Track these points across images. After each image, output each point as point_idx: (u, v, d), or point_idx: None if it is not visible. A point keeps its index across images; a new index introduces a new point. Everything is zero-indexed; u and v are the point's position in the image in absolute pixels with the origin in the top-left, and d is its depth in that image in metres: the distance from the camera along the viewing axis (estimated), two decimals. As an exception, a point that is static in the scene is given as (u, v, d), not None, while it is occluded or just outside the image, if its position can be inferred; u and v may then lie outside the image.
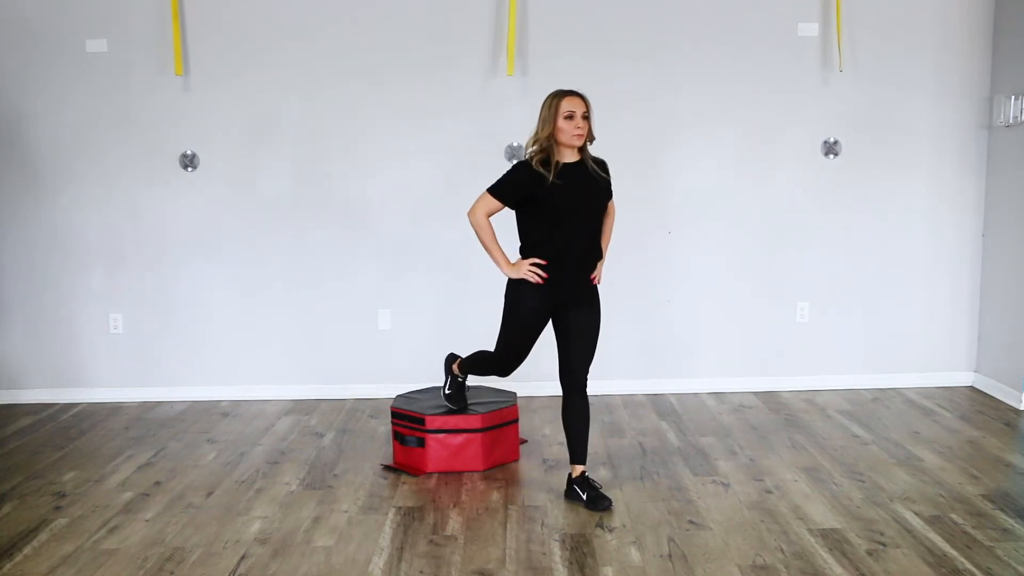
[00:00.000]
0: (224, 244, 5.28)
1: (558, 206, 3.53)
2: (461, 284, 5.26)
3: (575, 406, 3.69)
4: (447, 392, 4.16)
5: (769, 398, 5.23)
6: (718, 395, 5.32)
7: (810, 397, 5.23)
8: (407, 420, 4.13)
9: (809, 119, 5.23)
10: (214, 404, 5.28)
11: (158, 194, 5.24)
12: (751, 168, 5.26)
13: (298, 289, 5.32)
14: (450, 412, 4.11)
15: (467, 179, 5.20)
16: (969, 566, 3.07)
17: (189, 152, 5.22)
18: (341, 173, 5.24)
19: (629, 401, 5.19)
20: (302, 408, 5.17)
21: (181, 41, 5.11)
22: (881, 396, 5.22)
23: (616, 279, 5.16)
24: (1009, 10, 5.02)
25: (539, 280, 3.57)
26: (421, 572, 3.10)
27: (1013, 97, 4.92)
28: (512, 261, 3.64)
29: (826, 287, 5.36)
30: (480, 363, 3.99)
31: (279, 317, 5.34)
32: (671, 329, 5.37)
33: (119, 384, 5.37)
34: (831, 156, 5.27)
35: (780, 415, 4.89)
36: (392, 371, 5.32)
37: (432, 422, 4.05)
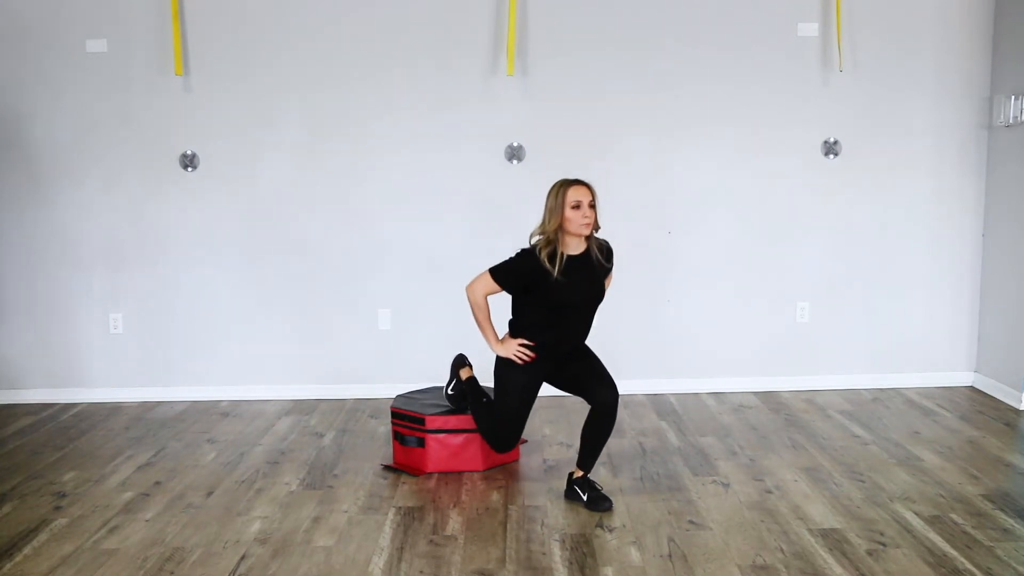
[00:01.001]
0: (224, 244, 5.28)
1: (559, 301, 3.58)
2: (461, 284, 5.21)
3: (602, 423, 3.68)
4: (450, 392, 4.15)
5: (769, 398, 5.23)
6: (718, 395, 5.32)
7: (810, 397, 5.23)
8: (407, 420, 4.13)
9: (809, 119, 5.23)
10: (214, 404, 5.28)
11: (158, 194, 5.24)
12: (751, 168, 5.26)
13: (298, 289, 5.32)
14: (450, 412, 4.10)
15: (467, 179, 5.22)
16: (969, 566, 3.07)
17: (189, 152, 5.22)
18: (341, 173, 5.24)
19: (629, 401, 5.18)
20: (302, 408, 5.17)
21: (181, 41, 5.11)
22: (881, 396, 5.22)
23: (617, 279, 5.15)
24: (1009, 10, 5.02)
25: (526, 361, 3.67)
26: (421, 572, 3.10)
27: (1013, 97, 4.92)
28: (500, 337, 3.73)
29: (826, 287, 5.36)
30: (484, 414, 3.96)
31: (279, 317, 5.33)
32: (671, 329, 5.36)
33: (119, 384, 5.37)
34: (831, 156, 5.27)
35: (780, 415, 4.89)
36: (392, 371, 5.32)
37: (432, 422, 4.05)
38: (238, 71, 5.15)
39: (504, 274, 3.64)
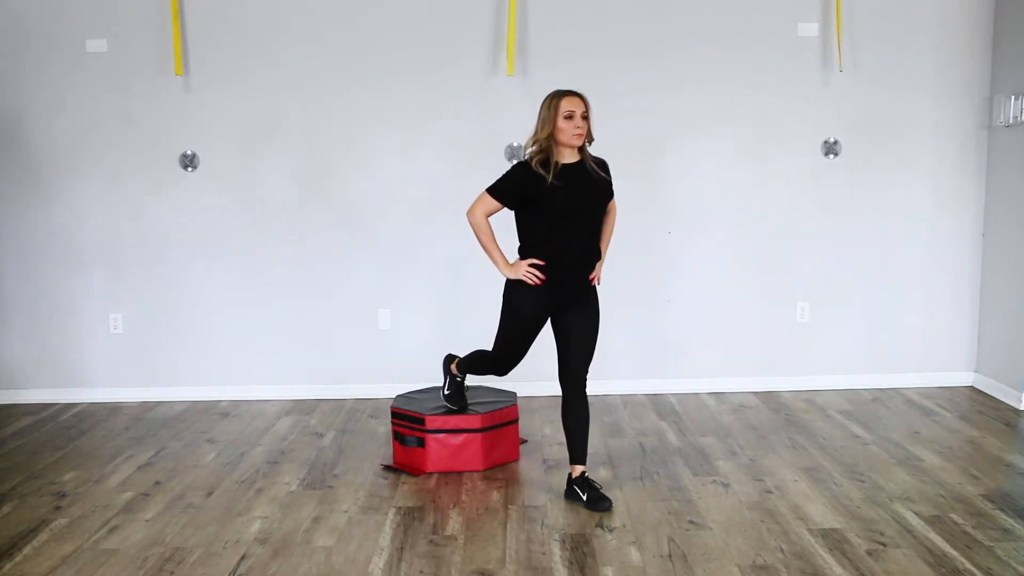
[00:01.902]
0: (224, 244, 5.28)
1: (557, 207, 3.52)
2: (461, 284, 5.26)
3: (575, 406, 3.69)
4: (446, 393, 4.16)
5: (769, 398, 5.23)
6: (718, 395, 5.32)
7: (810, 397, 5.23)
8: (407, 420, 4.13)
9: (809, 119, 5.23)
10: (214, 404, 5.28)
11: (158, 194, 5.24)
12: (751, 168, 5.26)
13: (298, 289, 5.32)
14: (450, 412, 4.11)
15: (467, 179, 5.20)
16: (969, 566, 3.07)
17: (189, 152, 5.22)
18: (341, 173, 5.24)
19: (629, 401, 5.19)
20: (302, 408, 5.17)
21: (181, 41, 5.11)
22: (881, 396, 5.22)
23: (616, 279, 5.15)
24: (1009, 10, 5.02)
25: (536, 281, 3.57)
26: (421, 572, 3.10)
27: (1013, 97, 4.92)
28: (511, 261, 3.64)
29: (826, 287, 5.36)
30: (478, 362, 3.99)
31: (279, 317, 5.34)
32: (671, 329, 5.37)
33: (119, 384, 5.37)
34: (831, 156, 5.27)
35: (780, 415, 4.89)
36: (392, 371, 5.32)
37: (432, 422, 4.05)
38: (238, 71, 5.15)
39: (500, 188, 3.59)
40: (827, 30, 5.15)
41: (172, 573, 3.12)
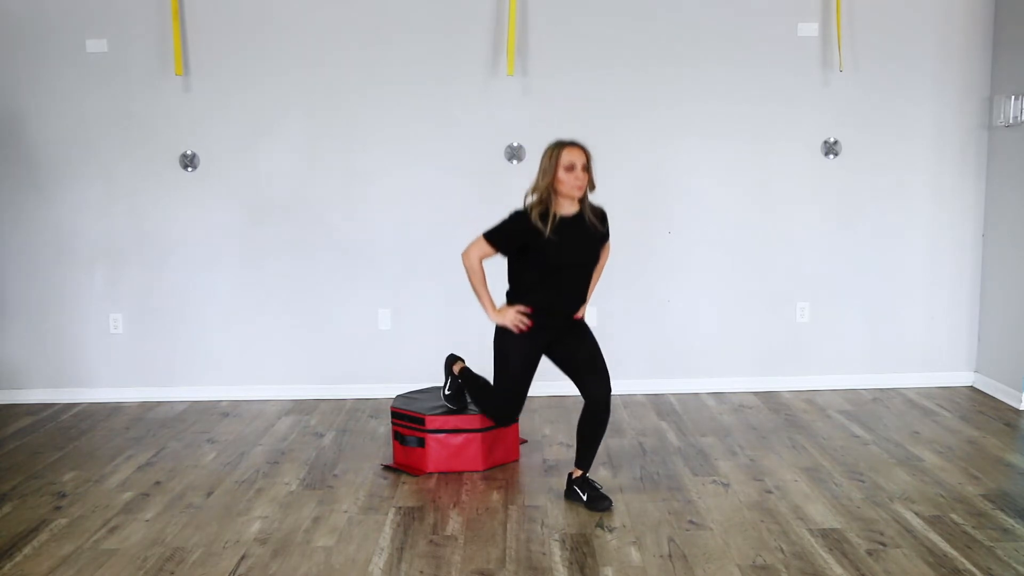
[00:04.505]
0: (224, 244, 5.28)
1: (551, 261, 3.56)
2: (461, 284, 5.21)
3: (597, 418, 3.67)
4: (447, 393, 4.15)
5: (769, 398, 5.23)
6: (718, 395, 5.32)
7: (810, 397, 5.23)
8: (407, 420, 4.13)
9: (809, 119, 5.23)
10: (214, 404, 5.28)
11: (158, 194, 5.24)
12: (751, 168, 5.26)
13: (298, 289, 5.32)
14: (450, 412, 4.10)
15: (467, 178, 5.22)
16: (969, 566, 3.07)
17: (189, 152, 5.22)
18: (341, 172, 5.24)
19: (629, 401, 5.19)
20: (302, 408, 5.17)
21: (181, 41, 5.11)
22: (881, 396, 5.22)
23: (616, 279, 5.16)
24: (1009, 10, 5.02)
25: (523, 328, 3.62)
26: (421, 572, 3.10)
27: (1013, 97, 4.92)
28: (498, 306, 3.68)
29: (826, 287, 5.36)
30: (482, 395, 3.97)
31: (279, 317, 5.34)
32: (671, 329, 5.37)
33: (119, 384, 5.37)
34: (831, 156, 5.27)
35: (780, 415, 4.89)
36: (392, 371, 5.32)
37: (432, 422, 4.05)
38: (238, 71, 5.15)
39: (497, 236, 3.61)
40: (827, 30, 5.15)
41: (172, 573, 3.12)
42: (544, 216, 3.51)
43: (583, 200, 3.59)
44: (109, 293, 5.32)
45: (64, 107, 5.18)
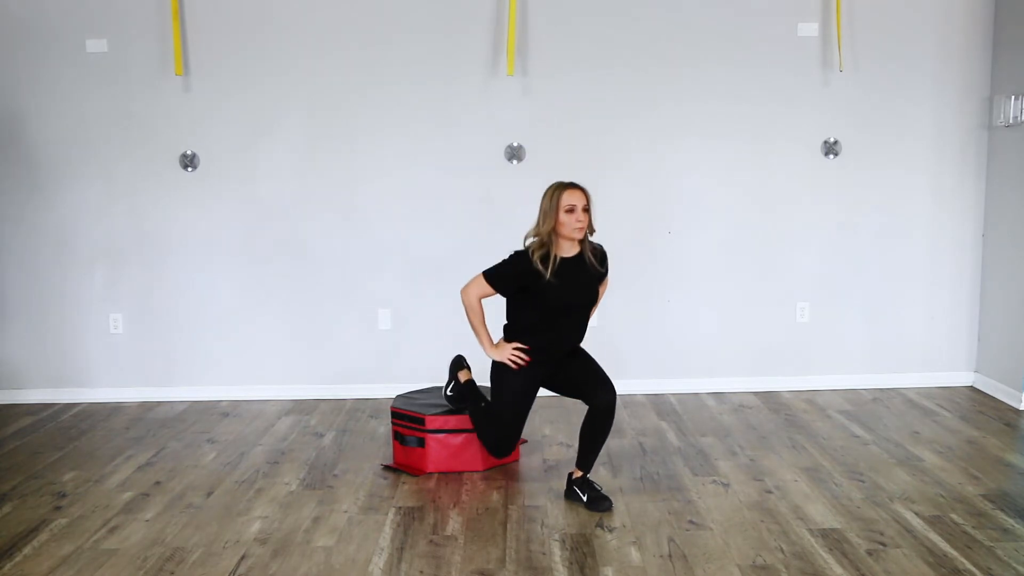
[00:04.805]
0: (224, 244, 5.28)
1: (551, 303, 3.60)
2: (461, 284, 5.23)
3: (601, 422, 3.68)
4: (449, 393, 4.15)
5: (769, 398, 5.23)
6: (718, 395, 5.32)
7: (810, 397, 5.23)
8: (407, 420, 4.13)
9: (809, 119, 5.23)
10: (214, 404, 5.28)
11: (158, 194, 5.24)
12: (751, 168, 5.26)
13: (298, 289, 5.32)
14: (450, 412, 4.10)
15: (467, 178, 5.22)
16: (969, 566, 3.07)
17: (189, 152, 5.22)
18: (341, 172, 5.24)
19: (629, 401, 5.19)
20: (302, 408, 5.17)
21: (181, 41, 5.11)
22: (881, 396, 5.22)
23: (617, 279, 5.16)
24: (1009, 11, 5.02)
25: (521, 365, 3.68)
26: (421, 572, 3.10)
27: (1013, 97, 4.92)
28: (495, 342, 3.74)
29: (826, 287, 5.36)
30: (483, 421, 3.97)
31: (279, 317, 5.34)
32: (671, 329, 5.37)
33: (119, 384, 5.37)
34: (831, 156, 5.27)
35: (780, 415, 4.89)
36: (392, 371, 5.32)
37: (432, 422, 4.05)
38: (238, 71, 5.15)
39: (497, 276, 3.66)
40: (827, 30, 5.15)
41: (172, 573, 3.12)
42: (545, 259, 3.55)
43: (583, 241, 3.63)
44: (109, 293, 5.32)
45: (64, 107, 5.18)
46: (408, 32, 5.12)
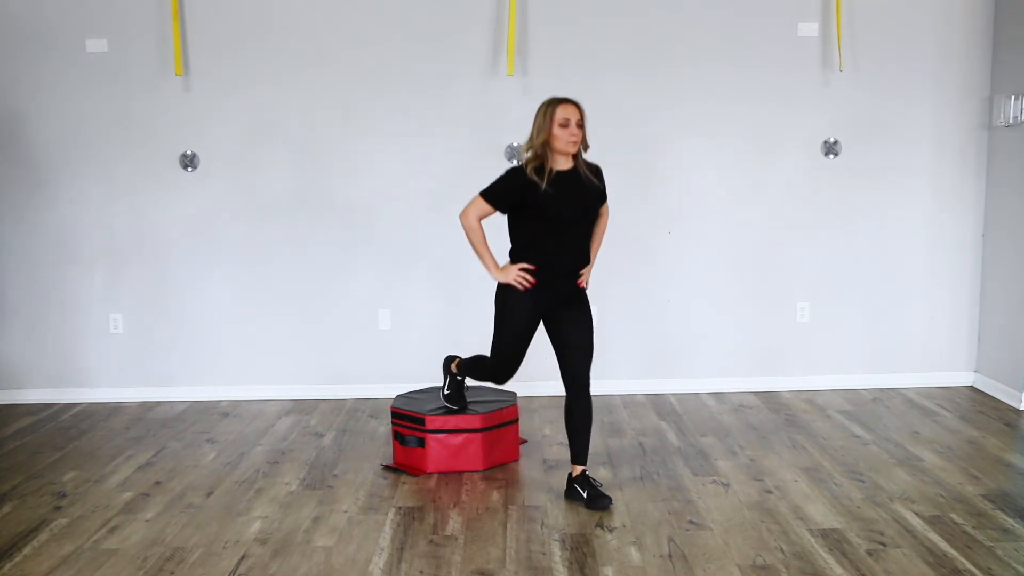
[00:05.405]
0: (224, 244, 5.28)
1: (550, 214, 3.55)
2: (461, 284, 5.26)
3: (578, 406, 3.68)
4: (446, 393, 4.16)
5: (769, 398, 5.23)
6: (718, 395, 5.32)
7: (810, 397, 5.23)
8: (407, 420, 4.13)
9: (809, 119, 5.23)
10: (214, 404, 5.28)
11: (158, 194, 5.24)
12: (751, 168, 5.26)
13: (298, 289, 5.32)
14: (450, 412, 4.11)
15: (467, 179, 5.18)
16: (969, 566, 3.07)
17: (189, 152, 5.22)
18: (341, 173, 5.24)
19: (629, 401, 5.19)
20: (302, 408, 5.17)
21: (181, 41, 5.11)
22: (881, 396, 5.22)
23: (616, 279, 5.17)
24: (1009, 11, 5.02)
25: (527, 286, 3.60)
26: (421, 572, 3.10)
27: (1013, 97, 4.92)
28: (501, 265, 3.67)
29: (826, 287, 5.36)
30: (478, 367, 3.98)
31: (279, 317, 5.34)
32: (671, 329, 5.36)
33: (119, 384, 5.37)
34: (831, 156, 5.27)
35: (780, 415, 4.89)
36: (392, 371, 5.32)
37: (432, 422, 4.05)
38: (238, 71, 5.15)
39: (494, 193, 3.61)
40: (827, 30, 5.15)
41: (172, 573, 3.12)
42: (539, 171, 3.53)
43: (577, 156, 3.61)
44: (109, 293, 5.32)
45: (64, 107, 5.18)
46: (408, 32, 5.12)
